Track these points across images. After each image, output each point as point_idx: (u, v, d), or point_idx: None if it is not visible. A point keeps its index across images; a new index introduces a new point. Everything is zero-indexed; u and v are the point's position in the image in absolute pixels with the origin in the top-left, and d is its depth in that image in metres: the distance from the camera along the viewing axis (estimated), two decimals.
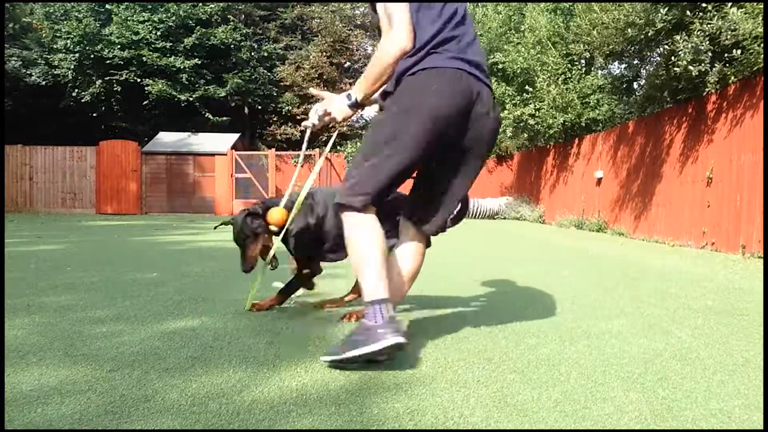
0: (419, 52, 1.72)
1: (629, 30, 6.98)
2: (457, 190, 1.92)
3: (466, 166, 1.88)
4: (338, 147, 18.47)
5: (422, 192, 1.96)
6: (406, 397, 1.48)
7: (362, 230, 1.74)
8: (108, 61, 16.29)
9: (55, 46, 16.39)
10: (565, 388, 1.57)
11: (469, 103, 1.76)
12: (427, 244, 2.06)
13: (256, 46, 19.02)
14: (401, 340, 1.62)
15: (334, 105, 1.83)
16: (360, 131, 22.16)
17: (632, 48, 7.69)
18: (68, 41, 16.02)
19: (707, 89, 6.27)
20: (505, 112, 11.26)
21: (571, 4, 10.56)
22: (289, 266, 2.57)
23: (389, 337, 1.61)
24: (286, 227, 2.26)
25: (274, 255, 2.39)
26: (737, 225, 5.77)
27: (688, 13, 6.30)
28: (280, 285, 2.58)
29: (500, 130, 9.00)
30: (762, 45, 5.55)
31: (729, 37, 5.82)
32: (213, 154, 14.70)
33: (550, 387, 1.58)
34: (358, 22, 20.93)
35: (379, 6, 1.70)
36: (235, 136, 15.77)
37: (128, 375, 1.63)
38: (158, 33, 16.64)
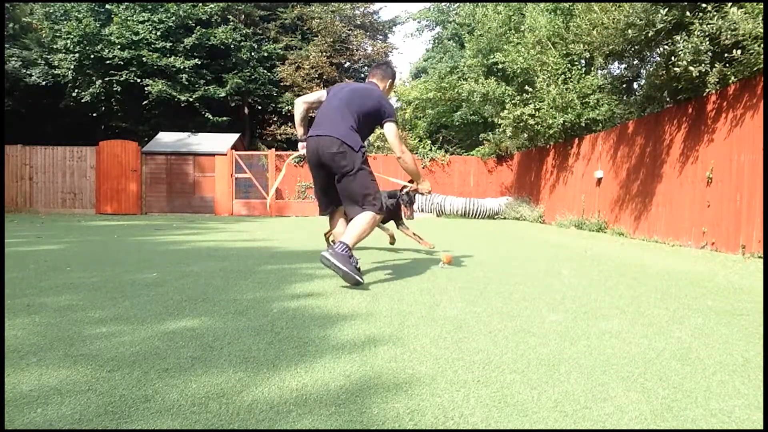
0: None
1: (629, 30, 6.98)
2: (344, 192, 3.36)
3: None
4: None
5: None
6: (406, 397, 1.48)
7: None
8: (108, 61, 16.28)
9: (55, 46, 16.38)
10: (565, 388, 1.57)
11: (313, 153, 3.32)
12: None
13: (256, 46, 19.00)
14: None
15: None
16: None
17: (632, 48, 7.68)
18: (68, 41, 16.01)
19: (707, 89, 6.27)
20: (505, 111, 11.26)
21: (571, 4, 10.56)
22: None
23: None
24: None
25: None
26: (737, 225, 5.77)
27: (688, 13, 6.30)
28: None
29: (501, 130, 9.48)
30: (762, 45, 5.55)
31: (729, 37, 5.82)
32: (213, 154, 14.69)
33: (550, 387, 1.58)
34: (358, 22, 20.90)
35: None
36: (235, 136, 15.77)
37: (128, 375, 1.63)
38: (158, 33, 16.63)
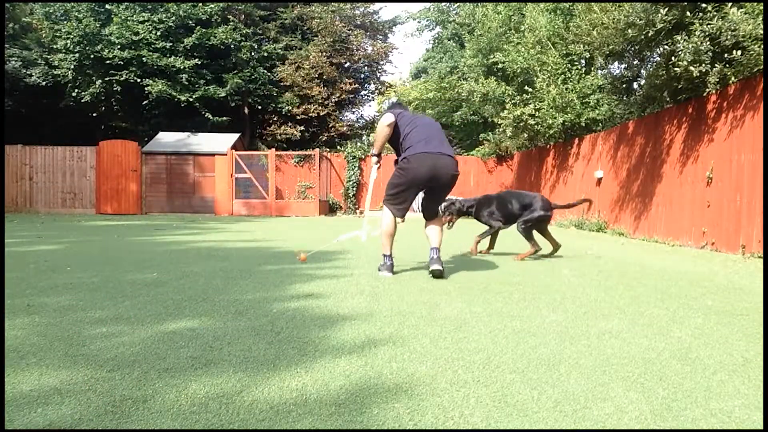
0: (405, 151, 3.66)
1: (629, 30, 6.98)
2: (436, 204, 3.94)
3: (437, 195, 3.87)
4: (338, 147, 18.48)
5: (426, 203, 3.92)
6: (406, 397, 1.48)
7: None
8: (108, 61, 16.26)
9: (55, 46, 16.37)
10: (565, 388, 1.57)
11: (431, 168, 3.59)
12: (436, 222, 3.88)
13: (256, 46, 18.98)
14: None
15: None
16: (359, 131, 22.21)
17: (632, 48, 7.68)
18: (68, 41, 15.99)
19: (707, 89, 6.27)
20: (505, 111, 11.26)
21: (571, 4, 10.56)
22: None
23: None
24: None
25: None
26: (737, 225, 5.77)
27: (688, 13, 6.30)
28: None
29: (501, 130, 9.74)
30: (762, 46, 5.55)
31: (729, 37, 5.82)
32: (213, 154, 14.70)
33: (550, 387, 1.58)
34: (358, 22, 20.88)
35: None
36: (235, 136, 15.77)
37: (128, 375, 1.63)
38: (158, 33, 16.60)
